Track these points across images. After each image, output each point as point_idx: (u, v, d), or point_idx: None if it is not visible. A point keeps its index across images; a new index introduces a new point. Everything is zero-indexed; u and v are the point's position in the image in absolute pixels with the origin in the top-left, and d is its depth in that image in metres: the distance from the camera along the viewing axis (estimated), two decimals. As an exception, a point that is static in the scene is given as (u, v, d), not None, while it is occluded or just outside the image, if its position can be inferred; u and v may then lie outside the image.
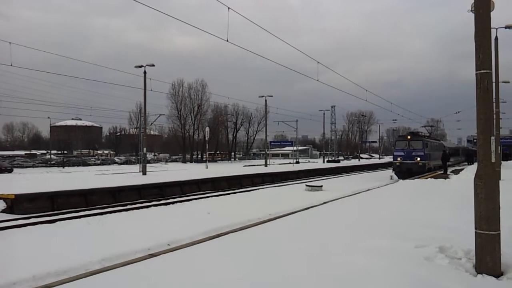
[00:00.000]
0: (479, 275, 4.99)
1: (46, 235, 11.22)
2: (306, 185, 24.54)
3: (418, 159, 30.29)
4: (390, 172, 33.85)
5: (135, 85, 44.04)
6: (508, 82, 31.90)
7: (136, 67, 32.02)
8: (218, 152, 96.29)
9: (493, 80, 5.40)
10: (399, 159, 31.12)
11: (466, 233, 5.98)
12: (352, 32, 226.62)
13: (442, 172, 29.91)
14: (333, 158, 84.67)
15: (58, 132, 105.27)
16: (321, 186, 23.94)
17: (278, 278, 4.92)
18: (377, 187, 22.54)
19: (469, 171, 25.91)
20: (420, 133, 35.79)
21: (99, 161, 74.58)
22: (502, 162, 32.93)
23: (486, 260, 5.08)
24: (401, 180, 25.38)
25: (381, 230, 7.64)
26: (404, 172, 29.74)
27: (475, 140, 52.35)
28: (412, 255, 5.74)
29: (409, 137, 32.37)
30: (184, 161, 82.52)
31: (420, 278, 4.73)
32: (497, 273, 5.03)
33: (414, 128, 66.01)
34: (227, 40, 15.71)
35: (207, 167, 39.36)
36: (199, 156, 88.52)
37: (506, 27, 21.13)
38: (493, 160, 5.24)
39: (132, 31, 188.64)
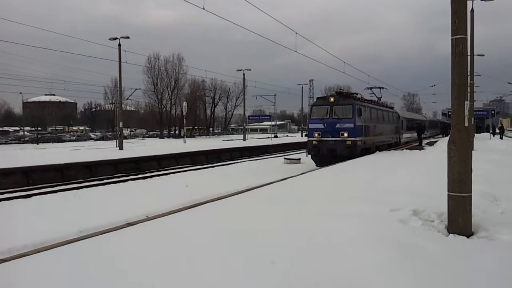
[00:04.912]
0: (451, 235, 5.16)
1: (22, 210, 11.08)
2: (285, 158, 24.82)
3: (345, 134, 19.36)
4: None
5: (110, 58, 42.88)
6: (483, 55, 32.48)
7: (110, 39, 31.14)
8: (196, 127, 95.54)
9: (468, 52, 5.46)
10: (316, 135, 20.03)
11: (439, 198, 6.15)
12: (330, 5, 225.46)
13: (417, 144, 30.51)
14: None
15: (31, 108, 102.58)
16: (299, 159, 24.19)
17: (253, 234, 5.21)
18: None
19: (444, 142, 26.45)
20: (353, 95, 22.72)
21: (74, 137, 73.07)
22: (475, 134, 33.51)
23: (458, 221, 5.25)
24: (377, 152, 20.50)
25: (358, 196, 7.80)
26: (325, 155, 19.68)
27: (449, 113, 52.84)
28: (387, 218, 5.88)
29: (332, 99, 20.24)
30: (161, 137, 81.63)
31: (394, 238, 4.86)
32: (468, 233, 5.22)
33: (390, 102, 45.25)
34: (204, 8, 15.32)
35: (185, 142, 39.15)
36: (177, 131, 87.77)
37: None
38: (466, 124, 5.34)
39: (107, 3, 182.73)
